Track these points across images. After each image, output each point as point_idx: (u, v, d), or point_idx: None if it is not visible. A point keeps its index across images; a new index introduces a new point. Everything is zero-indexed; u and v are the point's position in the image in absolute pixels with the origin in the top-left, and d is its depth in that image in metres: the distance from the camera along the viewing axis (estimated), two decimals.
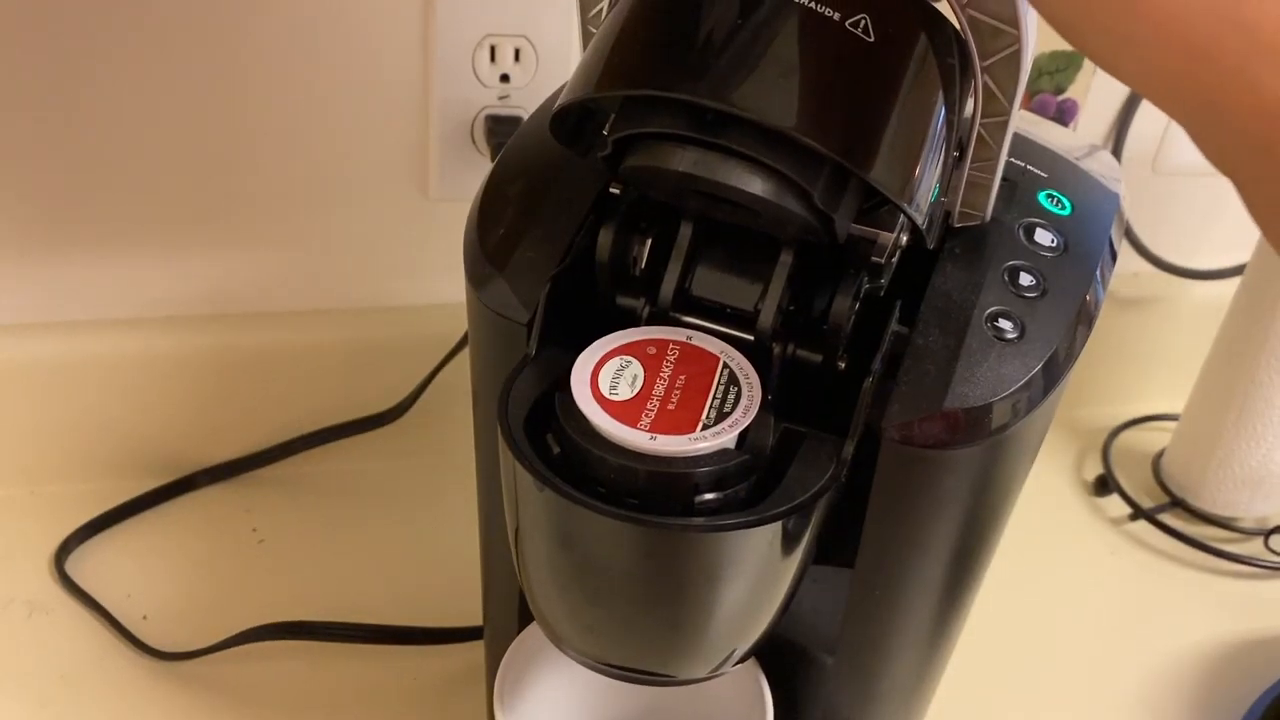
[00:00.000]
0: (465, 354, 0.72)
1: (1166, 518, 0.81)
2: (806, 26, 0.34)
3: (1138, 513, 0.82)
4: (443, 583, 0.70)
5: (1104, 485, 0.84)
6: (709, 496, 0.36)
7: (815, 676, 0.47)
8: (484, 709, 0.61)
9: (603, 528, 0.35)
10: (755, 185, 0.35)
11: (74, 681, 0.62)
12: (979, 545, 0.45)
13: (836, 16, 0.34)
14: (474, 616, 0.65)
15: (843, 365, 0.39)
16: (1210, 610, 0.76)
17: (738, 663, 0.41)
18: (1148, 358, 0.89)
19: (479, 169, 0.71)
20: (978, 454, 0.39)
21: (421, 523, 0.74)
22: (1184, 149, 0.83)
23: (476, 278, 0.42)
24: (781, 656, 0.46)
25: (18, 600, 0.66)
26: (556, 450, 0.37)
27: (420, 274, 0.75)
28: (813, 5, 0.34)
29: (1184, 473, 0.82)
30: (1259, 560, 0.79)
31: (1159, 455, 0.86)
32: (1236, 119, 0.28)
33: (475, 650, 0.65)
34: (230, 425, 0.75)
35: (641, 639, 0.39)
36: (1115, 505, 0.83)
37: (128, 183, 0.68)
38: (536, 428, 0.37)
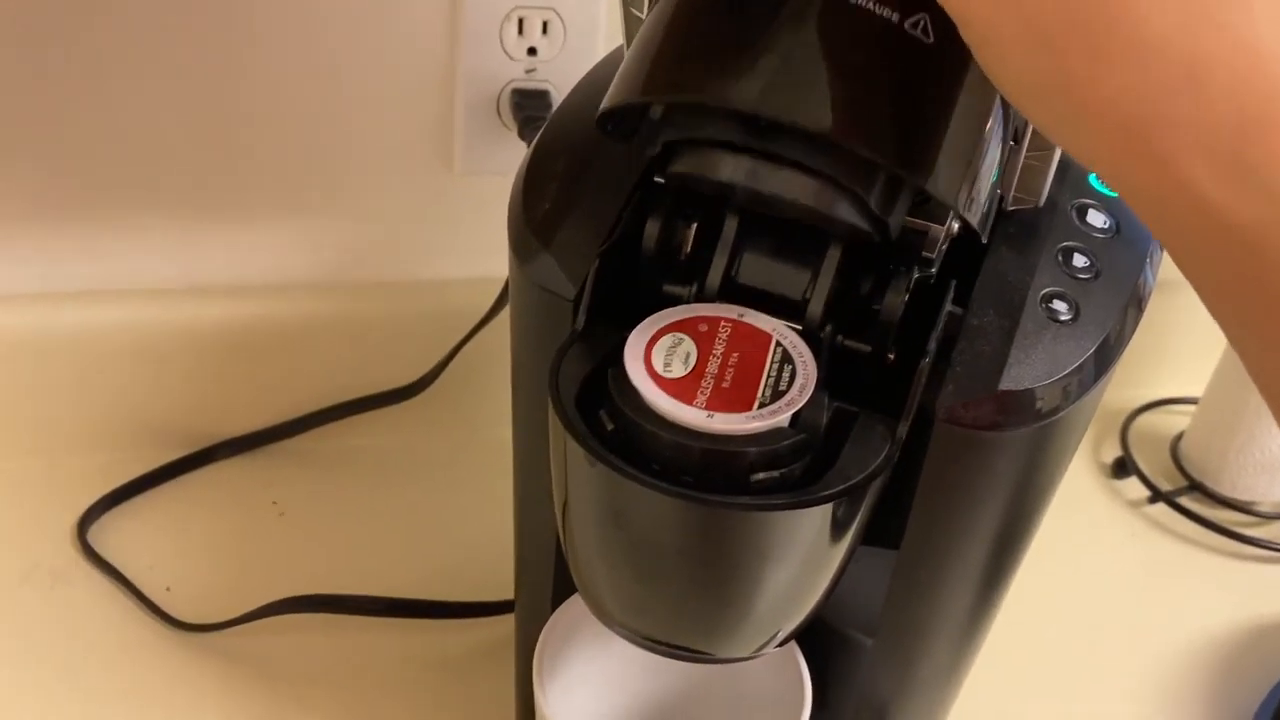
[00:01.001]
0: (489, 329, 0.72)
1: (1185, 501, 0.81)
2: (867, 30, 0.33)
3: (1156, 495, 0.82)
4: (464, 557, 0.70)
5: (1122, 467, 0.84)
6: (763, 475, 0.35)
7: (854, 659, 0.47)
8: (509, 684, 0.61)
9: (661, 505, 0.34)
10: (810, 196, 0.34)
11: (97, 652, 0.62)
12: (1022, 529, 0.45)
13: (895, 18, 0.33)
14: (495, 591, 0.65)
15: (892, 356, 0.39)
16: (1228, 594, 0.76)
17: (781, 644, 0.40)
18: (1168, 340, 0.89)
19: (505, 143, 0.71)
20: (1030, 436, 0.39)
21: (442, 497, 0.74)
22: None
23: (522, 252, 0.42)
24: (820, 638, 0.46)
25: (41, 570, 0.66)
26: (610, 427, 0.36)
27: (444, 248, 0.75)
28: (871, 6, 0.33)
29: (1203, 456, 0.82)
30: (1278, 545, 0.79)
31: (1178, 438, 0.86)
32: (1172, 211, 0.29)
33: (498, 625, 0.65)
34: (251, 398, 0.75)
35: (689, 617, 0.39)
36: (1134, 488, 0.83)
37: (147, 154, 0.67)
38: (586, 404, 0.37)
